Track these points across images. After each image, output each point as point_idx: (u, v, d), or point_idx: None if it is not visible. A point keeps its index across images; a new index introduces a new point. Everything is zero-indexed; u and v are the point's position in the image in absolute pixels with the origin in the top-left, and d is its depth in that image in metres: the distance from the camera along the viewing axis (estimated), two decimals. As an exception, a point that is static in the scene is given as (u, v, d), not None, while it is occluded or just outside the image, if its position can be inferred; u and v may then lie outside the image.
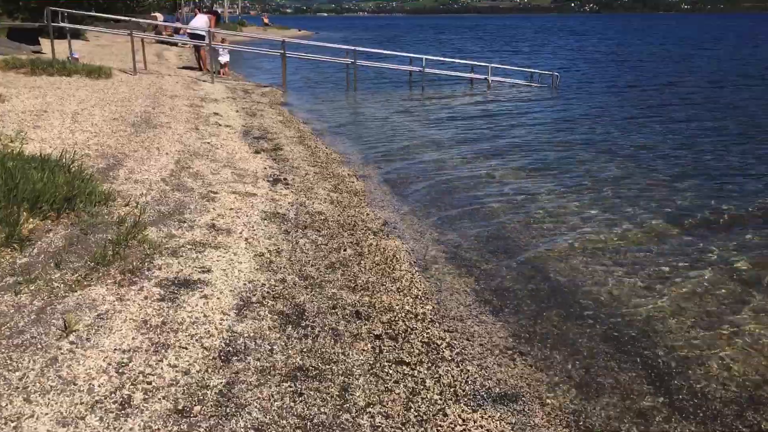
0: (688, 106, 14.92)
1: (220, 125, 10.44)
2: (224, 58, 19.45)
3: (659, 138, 11.11)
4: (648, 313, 4.60)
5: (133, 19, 17.78)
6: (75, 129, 8.21)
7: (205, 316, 3.81)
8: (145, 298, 3.92)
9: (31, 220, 4.61)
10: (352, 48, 18.86)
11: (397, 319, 4.19)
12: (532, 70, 20.83)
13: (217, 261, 4.65)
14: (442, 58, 22.39)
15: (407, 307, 4.39)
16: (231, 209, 5.94)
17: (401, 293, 4.63)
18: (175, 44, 26.61)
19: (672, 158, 9.56)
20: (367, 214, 6.58)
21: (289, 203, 6.50)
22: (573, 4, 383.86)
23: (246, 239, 5.22)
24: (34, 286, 3.82)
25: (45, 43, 18.21)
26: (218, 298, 4.07)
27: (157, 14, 38.80)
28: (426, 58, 19.26)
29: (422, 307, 4.44)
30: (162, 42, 27.21)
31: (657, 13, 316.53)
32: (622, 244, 5.99)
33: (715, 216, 6.77)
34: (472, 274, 5.22)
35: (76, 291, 3.85)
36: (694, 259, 5.61)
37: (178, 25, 26.96)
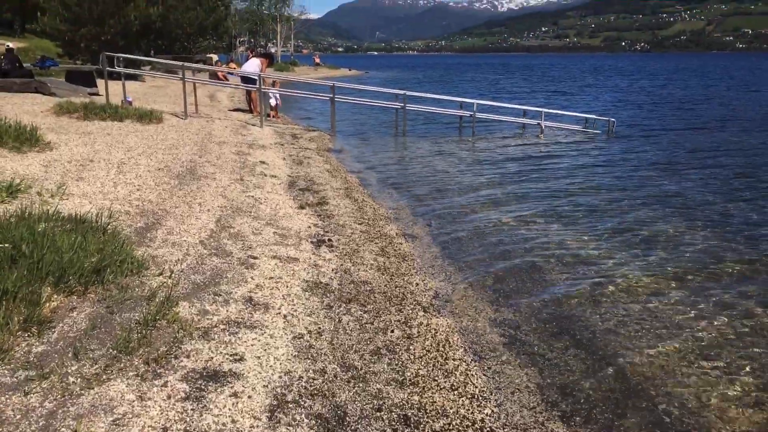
0: (743, 152, 14.06)
1: (265, 175, 10.17)
2: (274, 101, 19.48)
3: (719, 186, 10.37)
4: None
5: (186, 63, 17.91)
6: (118, 181, 8.02)
7: (233, 421, 3.35)
8: (169, 396, 3.49)
9: (55, 297, 4.27)
10: (402, 92, 18.63)
11: (451, 428, 3.65)
12: (587, 116, 20.18)
13: (252, 345, 4.21)
14: (492, 103, 21.97)
15: (462, 411, 3.85)
16: (271, 278, 5.54)
17: (455, 391, 4.08)
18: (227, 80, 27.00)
19: (736, 212, 8.82)
20: (416, 284, 6.08)
21: (332, 270, 6.06)
22: (624, 43, 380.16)
23: (284, 316, 4.79)
24: (47, 382, 3.43)
25: (103, 84, 18.57)
26: (250, 396, 3.61)
27: (213, 55, 39.76)
28: (477, 103, 18.89)
29: (480, 412, 3.88)
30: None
31: (710, 52, 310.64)
32: (718, 338, 5.32)
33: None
34: (535, 365, 4.63)
35: (93, 387, 3.45)
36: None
37: (232, 70, 27.36)
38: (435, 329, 5.04)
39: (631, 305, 5.82)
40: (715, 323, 5.45)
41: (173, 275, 5.15)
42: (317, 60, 76.90)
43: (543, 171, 12.70)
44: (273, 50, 67.31)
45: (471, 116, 18.58)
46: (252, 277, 5.47)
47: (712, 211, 9.34)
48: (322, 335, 4.58)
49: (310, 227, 7.51)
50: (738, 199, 10.06)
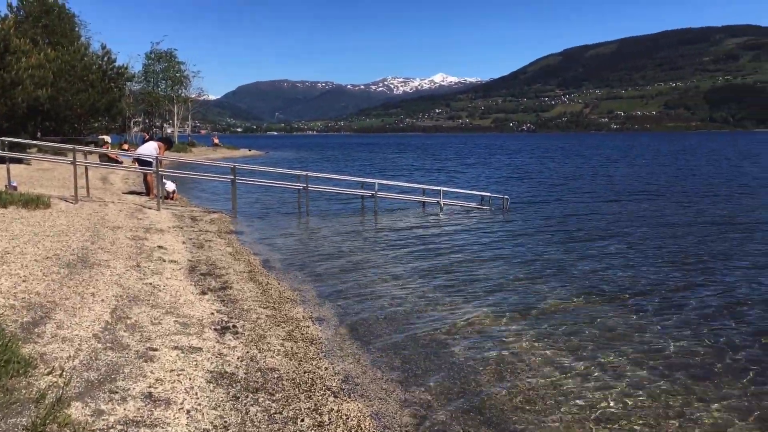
0: (630, 222, 15.13)
1: (164, 261, 9.82)
2: (170, 186, 19.03)
3: (607, 257, 11.05)
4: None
5: (77, 146, 17.32)
6: (2, 273, 7.47)
7: None
8: None
9: (-74, 406, 3.85)
10: (304, 173, 18.81)
11: None
12: (483, 193, 21.13)
13: (153, 447, 3.95)
14: (393, 182, 22.58)
15: (378, 501, 3.74)
16: (172, 371, 5.26)
17: (370, 480, 3.98)
18: (120, 163, 26.22)
19: (625, 277, 9.40)
20: (326, 369, 5.97)
21: (238, 358, 5.85)
22: (512, 124, 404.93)
23: (188, 411, 4.54)
24: None
25: (-18, 170, 17.52)
26: (151, 504, 3.36)
27: (105, 137, 38.65)
28: (378, 183, 19.34)
29: (396, 500, 3.79)
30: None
31: (589, 132, 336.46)
32: (621, 408, 5.52)
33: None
34: (448, 447, 4.62)
35: None
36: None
37: (125, 151, 26.68)
38: (346, 415, 4.93)
39: (535, 379, 5.97)
40: (618, 395, 5.68)
41: (64, 373, 4.79)
42: (216, 140, 76.39)
43: (444, 247, 13.05)
44: (169, 131, 66.40)
45: (372, 195, 18.96)
46: (151, 371, 5.18)
47: (602, 279, 9.88)
48: (228, 429, 4.37)
49: (213, 314, 7.27)
50: (623, 266, 10.73)
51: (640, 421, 5.10)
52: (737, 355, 6.62)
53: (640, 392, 5.68)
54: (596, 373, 6.10)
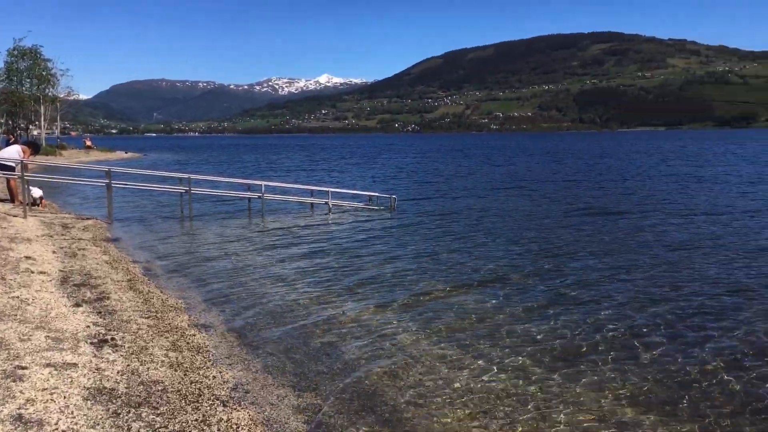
0: (505, 217, 15.89)
1: (32, 272, 9.12)
2: (37, 192, 17.67)
3: (485, 248, 11.54)
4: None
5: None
6: None
7: None
8: None
9: None
10: (186, 175, 18.16)
11: None
12: (371, 193, 21.35)
13: (23, 474, 3.65)
14: (281, 184, 22.32)
15: None
16: (44, 390, 4.89)
17: (263, 489, 3.89)
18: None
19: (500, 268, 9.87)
20: (214, 377, 5.78)
21: (118, 372, 5.54)
22: (397, 125, 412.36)
23: (63, 432, 4.23)
24: None
25: None
26: None
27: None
28: (265, 185, 19.03)
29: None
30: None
31: (470, 132, 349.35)
32: (505, 398, 5.73)
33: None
34: (341, 448, 4.61)
35: None
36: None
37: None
38: (237, 424, 4.80)
39: (425, 375, 6.10)
40: (504, 384, 5.91)
41: None
42: (88, 143, 72.06)
43: (333, 248, 13.05)
44: (35, 133, 61.91)
45: (259, 197, 18.63)
46: (21, 391, 4.78)
47: (482, 271, 10.28)
48: (109, 449, 4.12)
49: (89, 326, 6.83)
50: (498, 257, 11.21)
51: (520, 406, 5.35)
52: (604, 335, 7.09)
53: (519, 376, 5.95)
54: (483, 364, 6.32)
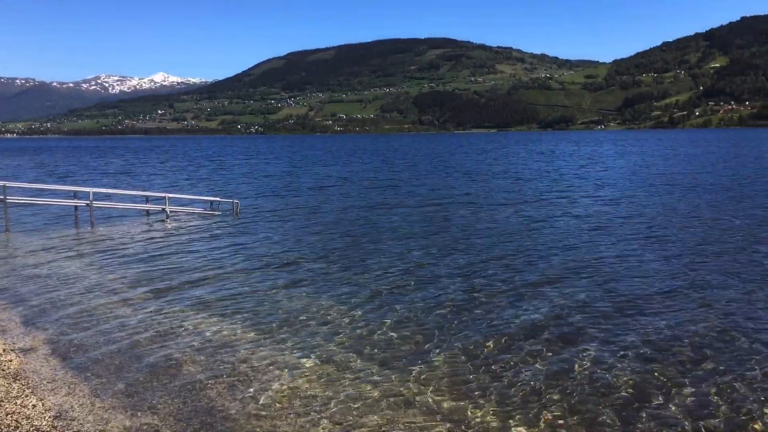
0: (345, 214, 16.22)
1: None
2: None
3: (323, 253, 11.70)
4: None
5: None
6: None
7: None
8: None
9: None
10: (1, 183, 16.45)
11: None
12: (212, 198, 20.66)
13: None
14: (111, 190, 20.94)
15: None
16: None
17: None
18: None
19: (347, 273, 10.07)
20: (34, 406, 5.33)
21: None
22: (239, 126, 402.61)
23: None
24: None
25: None
26: None
27: None
28: (93, 191, 17.75)
29: None
30: None
31: (315, 134, 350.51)
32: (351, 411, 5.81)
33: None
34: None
35: None
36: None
37: None
38: (60, 455, 4.46)
39: (267, 384, 6.04)
40: (354, 389, 6.01)
41: None
42: None
43: (170, 258, 12.48)
44: None
45: (87, 205, 17.35)
46: None
47: (332, 277, 10.39)
48: None
49: None
50: (347, 259, 11.40)
51: (369, 411, 5.48)
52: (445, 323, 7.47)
53: (365, 381, 6.10)
54: (331, 372, 6.38)
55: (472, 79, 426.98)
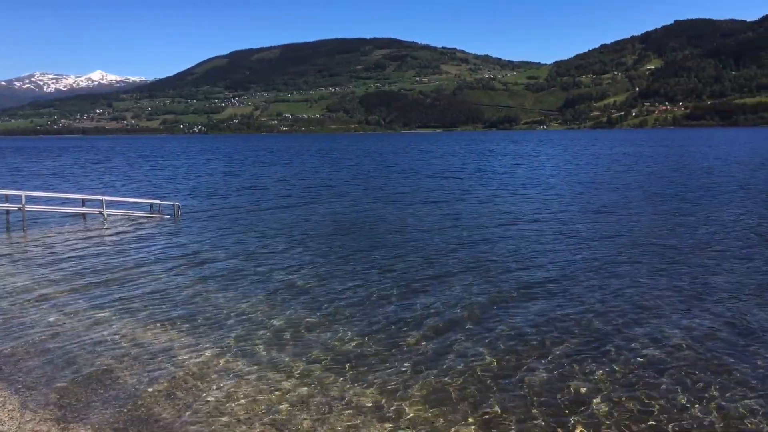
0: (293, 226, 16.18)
1: None
2: None
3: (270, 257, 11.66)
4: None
5: None
6: None
7: None
8: None
9: None
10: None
11: None
12: (152, 201, 20.19)
13: None
14: (46, 193, 20.25)
15: None
16: None
17: None
18: None
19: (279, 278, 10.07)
20: (-41, 422, 5.14)
21: None
22: (182, 126, 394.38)
23: None
24: None
25: None
26: None
27: None
28: (26, 194, 17.13)
29: None
30: None
31: (260, 133, 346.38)
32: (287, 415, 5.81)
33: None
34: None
35: None
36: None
37: None
38: (-14, 472, 4.32)
39: (206, 391, 5.99)
40: (290, 393, 6.02)
41: None
42: None
43: (108, 262, 12.18)
44: None
45: (19, 209, 16.72)
46: None
47: (273, 280, 10.34)
48: None
49: None
50: (282, 265, 11.37)
51: (314, 415, 5.51)
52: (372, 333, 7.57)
53: (310, 387, 6.12)
54: (268, 375, 6.37)
55: (418, 79, 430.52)
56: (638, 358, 6.74)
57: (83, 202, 18.99)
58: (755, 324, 7.81)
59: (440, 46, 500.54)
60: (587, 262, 11.61)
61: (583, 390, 5.98)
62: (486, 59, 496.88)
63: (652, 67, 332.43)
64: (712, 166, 36.37)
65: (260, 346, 7.17)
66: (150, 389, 6.01)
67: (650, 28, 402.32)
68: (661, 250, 12.63)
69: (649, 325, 7.84)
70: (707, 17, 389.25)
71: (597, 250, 12.76)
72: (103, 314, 8.56)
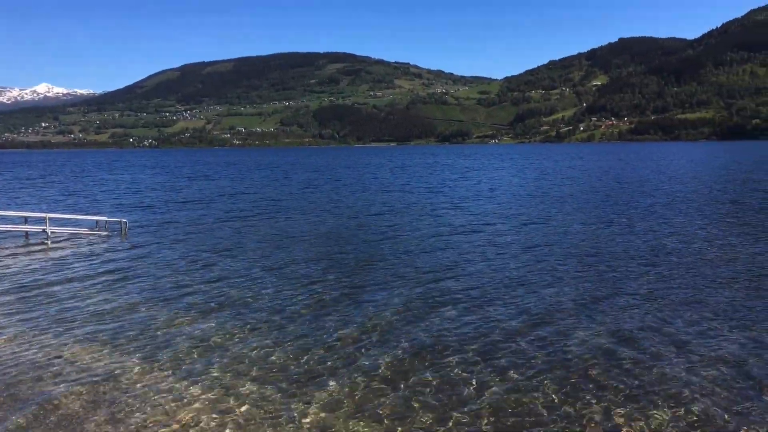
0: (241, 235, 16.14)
1: None
2: None
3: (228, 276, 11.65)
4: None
5: None
6: None
7: None
8: None
9: None
10: None
11: None
12: (98, 218, 19.81)
13: None
14: (-16, 210, 19.63)
15: None
16: None
17: None
18: None
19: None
20: None
21: None
22: (132, 139, 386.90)
23: None
24: None
25: None
26: None
27: None
28: (-37, 213, 16.60)
29: None
30: None
31: (213, 147, 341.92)
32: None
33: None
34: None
35: None
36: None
37: None
38: None
39: (151, 415, 5.98)
40: (237, 409, 6.06)
41: None
42: None
43: (52, 285, 11.87)
44: None
45: (-42, 228, 16.21)
46: None
47: (217, 296, 10.32)
48: None
49: None
50: (233, 283, 11.36)
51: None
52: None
53: (252, 405, 6.17)
54: (214, 396, 6.39)
55: (372, 93, 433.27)
56: (526, 368, 7.01)
57: (26, 220, 18.50)
58: (641, 333, 8.24)
59: (394, 61, 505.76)
60: (503, 272, 12.30)
61: (466, 393, 6.30)
62: (439, 74, 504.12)
63: (599, 83, 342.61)
64: (648, 179, 37.94)
65: (206, 369, 7.18)
66: (93, 414, 5.98)
67: (596, 46, 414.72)
68: (577, 259, 13.45)
69: (545, 333, 8.26)
70: (650, 35, 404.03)
71: (517, 260, 13.49)
72: (44, 339, 8.42)
